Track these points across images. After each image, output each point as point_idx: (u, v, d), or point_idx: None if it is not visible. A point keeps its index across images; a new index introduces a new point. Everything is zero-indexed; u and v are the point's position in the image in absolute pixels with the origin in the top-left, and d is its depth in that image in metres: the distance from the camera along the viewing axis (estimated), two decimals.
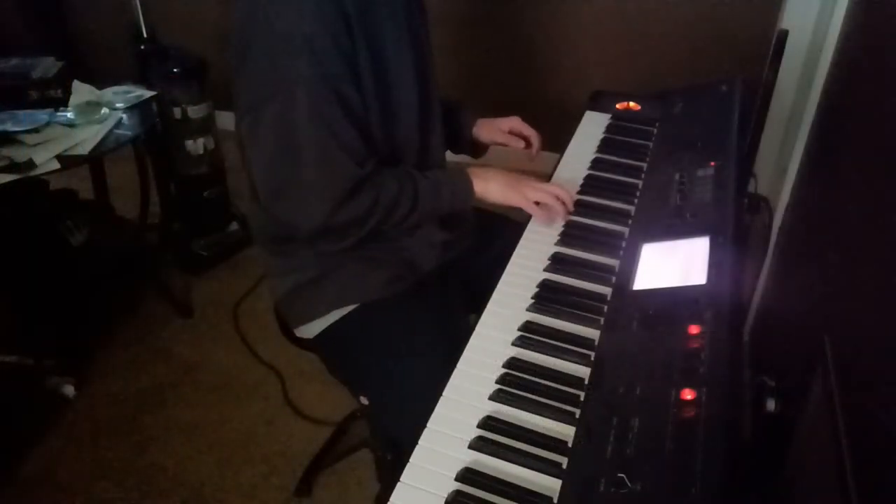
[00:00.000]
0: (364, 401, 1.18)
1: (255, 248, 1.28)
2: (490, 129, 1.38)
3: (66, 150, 1.75)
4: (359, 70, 1.03)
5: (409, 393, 1.04)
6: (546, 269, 1.06)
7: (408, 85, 1.11)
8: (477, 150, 1.42)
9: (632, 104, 1.51)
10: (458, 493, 0.74)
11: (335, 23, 0.98)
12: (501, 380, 0.87)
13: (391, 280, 1.16)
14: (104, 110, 1.91)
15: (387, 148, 1.12)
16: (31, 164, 1.67)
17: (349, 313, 1.16)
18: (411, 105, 1.12)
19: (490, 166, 1.21)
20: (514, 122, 1.38)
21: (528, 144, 1.37)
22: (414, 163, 1.17)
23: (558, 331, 0.94)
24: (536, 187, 1.18)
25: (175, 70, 2.12)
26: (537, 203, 1.18)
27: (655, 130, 1.40)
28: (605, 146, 1.38)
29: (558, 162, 1.37)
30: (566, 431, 0.79)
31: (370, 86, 1.05)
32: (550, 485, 0.74)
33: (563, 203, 1.19)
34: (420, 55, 1.13)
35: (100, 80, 2.03)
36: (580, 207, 1.20)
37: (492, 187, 1.17)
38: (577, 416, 0.80)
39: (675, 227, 1.04)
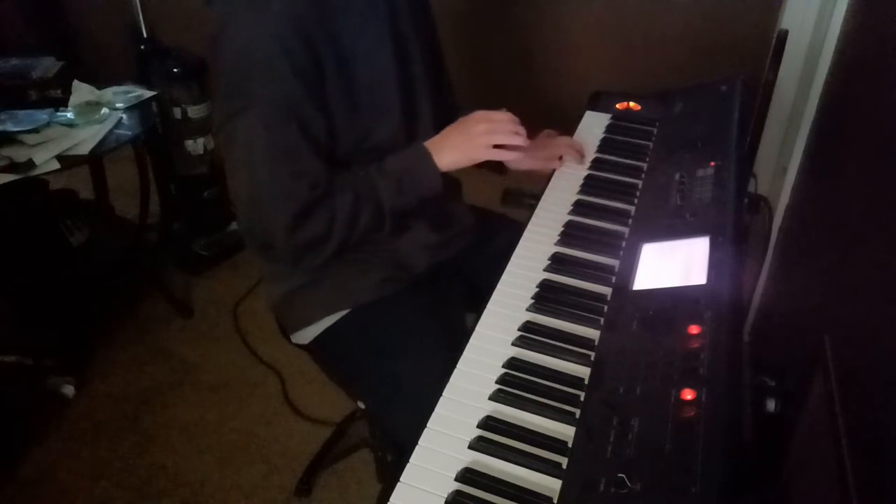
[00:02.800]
0: (361, 405, 1.18)
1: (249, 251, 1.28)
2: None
3: (66, 150, 1.75)
4: (324, 85, 1.02)
5: (406, 394, 1.04)
6: (546, 269, 1.06)
7: (387, 90, 1.09)
8: (503, 169, 1.37)
9: (632, 104, 1.51)
10: (458, 493, 0.74)
11: (293, 43, 0.97)
12: (501, 380, 0.87)
13: (382, 282, 1.15)
14: (104, 110, 1.91)
15: (367, 155, 1.10)
16: (31, 164, 1.67)
17: (343, 317, 1.15)
18: (392, 109, 1.11)
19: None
20: (545, 151, 1.32)
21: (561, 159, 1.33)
22: None
23: (558, 331, 0.94)
24: (487, 130, 1.09)
25: (175, 70, 2.12)
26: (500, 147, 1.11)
27: (655, 130, 1.40)
28: (605, 146, 1.38)
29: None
30: (566, 431, 0.79)
31: (340, 98, 1.04)
32: (550, 485, 0.74)
33: (517, 133, 1.10)
34: (405, 57, 1.11)
35: (100, 80, 2.03)
36: (580, 207, 1.20)
37: (446, 157, 1.09)
38: (577, 416, 0.80)
39: (675, 227, 1.04)
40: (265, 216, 1.04)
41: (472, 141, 1.10)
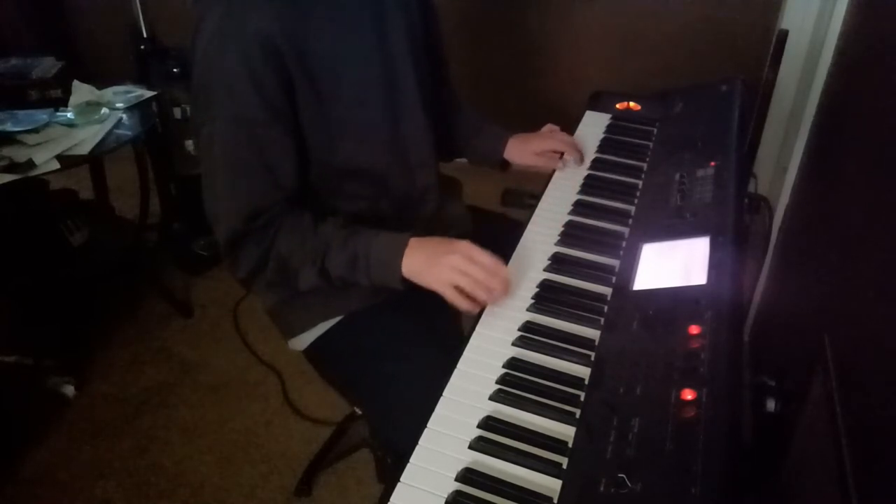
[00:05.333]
0: (358, 411, 1.18)
1: None
2: (522, 153, 1.33)
3: (66, 150, 1.75)
4: (297, 106, 0.99)
5: (402, 398, 1.03)
6: (546, 269, 1.06)
7: (370, 104, 1.06)
8: (506, 165, 1.37)
9: (632, 104, 1.51)
10: (458, 493, 0.74)
11: (260, 65, 0.94)
12: (501, 380, 0.87)
13: (374, 289, 1.14)
14: (104, 110, 1.91)
15: (354, 175, 1.09)
16: (31, 164, 1.67)
17: (335, 325, 1.15)
18: (377, 125, 1.08)
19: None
20: (548, 143, 1.32)
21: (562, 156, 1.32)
22: (400, 184, 1.14)
23: (558, 331, 0.94)
24: (459, 270, 0.96)
25: (175, 70, 2.12)
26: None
27: (655, 130, 1.40)
28: (605, 146, 1.38)
29: None
30: (566, 431, 0.79)
31: (316, 118, 1.02)
32: (550, 485, 0.74)
33: (489, 289, 0.96)
34: (393, 68, 1.08)
35: (100, 80, 2.03)
36: (580, 207, 1.20)
37: (413, 266, 1.00)
38: (578, 416, 0.80)
39: (675, 227, 1.04)
40: (213, 226, 1.06)
41: (439, 269, 0.97)
